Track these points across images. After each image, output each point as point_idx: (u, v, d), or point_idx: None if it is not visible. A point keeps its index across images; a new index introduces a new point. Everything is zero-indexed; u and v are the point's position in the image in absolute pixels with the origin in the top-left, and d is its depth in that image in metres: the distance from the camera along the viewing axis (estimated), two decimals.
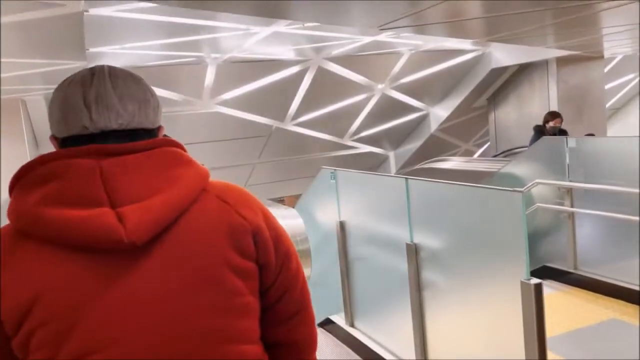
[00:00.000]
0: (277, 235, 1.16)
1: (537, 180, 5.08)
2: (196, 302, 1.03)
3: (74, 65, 3.87)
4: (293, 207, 5.10)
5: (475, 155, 11.66)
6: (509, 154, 8.30)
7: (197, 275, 1.04)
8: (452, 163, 7.89)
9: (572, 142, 4.79)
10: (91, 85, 1.06)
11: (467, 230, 2.82)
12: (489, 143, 11.48)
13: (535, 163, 5.37)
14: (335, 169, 4.15)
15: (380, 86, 8.21)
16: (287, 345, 1.25)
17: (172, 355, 1.00)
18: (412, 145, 10.41)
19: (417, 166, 8.18)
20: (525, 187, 5.14)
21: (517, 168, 5.55)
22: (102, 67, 1.10)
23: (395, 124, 9.77)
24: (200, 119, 7.61)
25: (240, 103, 7.64)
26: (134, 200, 0.99)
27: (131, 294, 0.98)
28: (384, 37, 6.08)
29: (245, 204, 1.12)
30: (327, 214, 4.41)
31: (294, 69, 7.17)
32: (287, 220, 4.78)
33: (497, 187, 2.63)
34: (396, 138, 10.56)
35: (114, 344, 0.97)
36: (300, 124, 8.71)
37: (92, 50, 4.97)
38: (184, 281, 1.02)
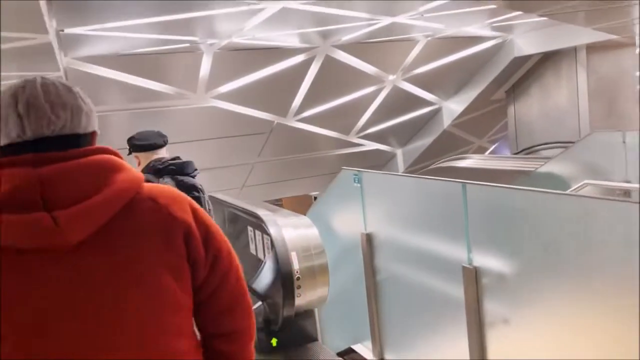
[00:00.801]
0: (207, 233, 1.24)
1: (586, 181, 4.40)
2: (129, 299, 1.10)
3: (35, 42, 3.12)
4: (291, 209, 4.43)
5: (487, 153, 10.99)
6: (532, 150, 7.63)
7: (130, 273, 1.10)
8: (472, 161, 7.20)
9: (632, 136, 4.11)
10: (23, 94, 1.10)
11: (555, 253, 2.12)
12: (501, 139, 10.81)
13: (582, 161, 4.69)
14: (360, 171, 3.44)
15: (391, 77, 7.50)
16: (223, 336, 1.31)
17: (104, 351, 1.06)
18: (422, 142, 9.71)
19: (434, 165, 7.47)
20: (573, 189, 4.45)
21: (559, 167, 4.85)
22: (34, 78, 1.14)
23: (404, 119, 9.06)
24: (194, 114, 6.86)
25: (238, 97, 6.89)
26: (69, 204, 1.05)
27: (66, 293, 1.05)
28: (403, 18, 5.37)
29: (176, 204, 1.19)
30: (349, 224, 3.71)
31: (299, 58, 6.44)
32: (300, 229, 4.07)
33: (605, 198, 1.95)
34: (405, 134, 9.85)
35: (47, 341, 1.04)
36: (303, 120, 7.98)
37: (68, 31, 4.22)
38: (118, 280, 1.09)
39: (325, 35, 6.01)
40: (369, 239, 3.37)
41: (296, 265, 3.89)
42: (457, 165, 7.10)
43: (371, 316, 3.53)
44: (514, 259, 2.35)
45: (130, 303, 1.09)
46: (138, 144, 3.25)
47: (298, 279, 3.82)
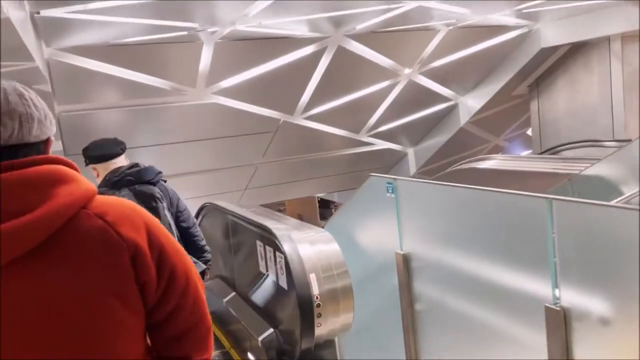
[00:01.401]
0: (161, 254, 1.17)
1: None
2: (65, 324, 1.04)
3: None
4: (294, 212, 3.84)
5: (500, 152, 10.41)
6: (558, 150, 7.05)
7: (67, 296, 1.04)
8: (496, 162, 6.59)
9: None
10: None
11: None
12: (516, 139, 10.22)
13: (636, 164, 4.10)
14: (395, 178, 2.84)
15: (407, 71, 6.90)
16: (178, 358, 1.26)
17: None
18: (436, 141, 9.11)
19: (454, 167, 6.87)
20: (626, 197, 3.87)
21: (609, 169, 4.27)
22: None
23: (418, 117, 8.47)
24: (193, 111, 6.26)
25: (242, 92, 6.29)
26: (6, 219, 0.99)
27: None
28: (427, 1, 4.78)
29: (126, 222, 1.13)
30: (379, 241, 3.10)
31: (309, 50, 5.83)
32: (318, 245, 3.49)
33: None
34: (417, 133, 9.26)
35: None
36: (311, 118, 7.38)
37: (45, 14, 3.62)
38: (53, 303, 1.03)
39: (337, 23, 5.41)
40: (405, 260, 2.79)
41: (316, 290, 3.30)
42: (479, 166, 6.50)
43: (408, 350, 2.94)
44: (621, 299, 1.76)
45: (65, 329, 1.04)
46: (92, 155, 3.02)
47: (318, 305, 3.24)
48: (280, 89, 6.49)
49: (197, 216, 5.14)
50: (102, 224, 1.09)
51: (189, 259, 1.28)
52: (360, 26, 5.59)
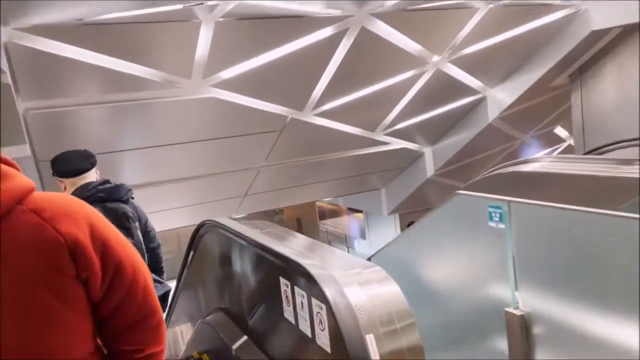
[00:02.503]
0: (105, 248, 1.17)
1: None
2: (5, 323, 1.04)
3: None
4: (297, 219, 2.92)
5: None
6: (614, 147, 6.14)
7: (5, 295, 1.04)
8: (541, 165, 5.66)
9: None
10: None
11: None
12: (544, 136, 9.34)
13: None
14: (507, 200, 1.91)
15: (435, 59, 5.96)
16: (129, 352, 1.26)
17: None
18: (458, 139, 8.19)
19: (493, 171, 5.92)
20: None
21: None
22: None
23: (440, 112, 7.55)
24: (188, 108, 5.29)
25: (246, 85, 5.34)
26: None
27: None
28: None
29: (65, 217, 1.13)
30: (473, 289, 2.17)
31: (327, 31, 4.87)
32: (372, 287, 2.48)
33: None
34: (436, 130, 8.34)
35: None
36: (323, 114, 6.43)
37: None
38: None
39: None
40: (524, 324, 1.86)
41: (375, 355, 2.36)
42: (523, 170, 5.58)
43: None
44: None
45: (2, 325, 1.03)
46: (61, 170, 2.94)
47: None
48: (291, 81, 5.54)
49: (194, 237, 4.20)
50: (38, 220, 1.09)
51: (136, 253, 1.26)
52: (390, 2, 4.65)
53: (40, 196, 1.13)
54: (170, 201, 7.43)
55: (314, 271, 2.51)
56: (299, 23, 4.66)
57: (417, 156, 9.03)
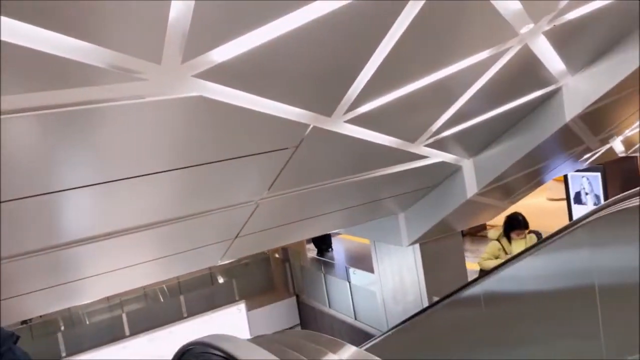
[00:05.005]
0: None
1: None
2: None
3: None
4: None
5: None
6: None
7: None
8: None
9: None
10: None
11: None
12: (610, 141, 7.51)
13: None
14: None
15: (527, 28, 3.98)
16: None
17: None
18: (512, 145, 6.25)
19: (617, 208, 3.93)
20: None
21: None
22: None
23: (500, 112, 5.59)
24: (157, 116, 3.11)
25: (247, 74, 3.16)
26: None
27: None
28: None
29: None
30: None
31: None
32: None
33: None
34: (482, 136, 6.39)
35: None
36: (357, 120, 4.35)
37: None
38: None
39: None
40: None
41: None
42: None
43: None
44: None
45: None
46: None
47: None
48: (318, 67, 3.42)
49: None
50: None
51: None
52: None
53: None
54: (131, 256, 5.20)
55: None
56: None
57: (452, 171, 7.05)
